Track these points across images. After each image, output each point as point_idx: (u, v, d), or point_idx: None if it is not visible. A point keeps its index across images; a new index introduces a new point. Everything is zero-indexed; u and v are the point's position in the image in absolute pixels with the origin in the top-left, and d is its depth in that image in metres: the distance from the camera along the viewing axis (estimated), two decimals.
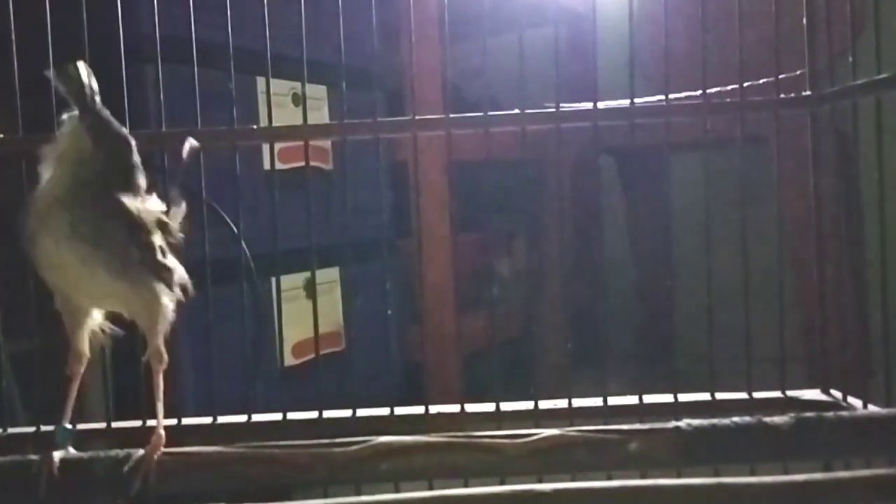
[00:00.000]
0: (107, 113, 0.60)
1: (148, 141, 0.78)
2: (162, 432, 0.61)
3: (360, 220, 1.33)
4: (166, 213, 0.65)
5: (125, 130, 0.62)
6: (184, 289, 0.65)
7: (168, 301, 0.63)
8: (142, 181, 0.62)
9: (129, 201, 0.60)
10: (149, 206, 0.63)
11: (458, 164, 0.84)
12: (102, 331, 0.65)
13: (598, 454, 0.59)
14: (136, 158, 0.62)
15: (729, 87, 0.84)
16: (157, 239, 0.62)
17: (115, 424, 0.79)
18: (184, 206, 0.67)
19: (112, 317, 0.66)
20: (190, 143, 0.71)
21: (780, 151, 0.82)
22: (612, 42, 0.86)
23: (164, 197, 0.65)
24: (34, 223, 0.59)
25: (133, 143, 0.62)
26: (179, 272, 0.64)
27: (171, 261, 0.63)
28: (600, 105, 0.81)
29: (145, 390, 0.67)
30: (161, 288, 0.62)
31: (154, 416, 0.64)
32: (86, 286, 0.61)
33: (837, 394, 0.80)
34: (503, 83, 0.84)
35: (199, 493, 0.62)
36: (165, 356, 0.64)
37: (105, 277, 0.59)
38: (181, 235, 0.65)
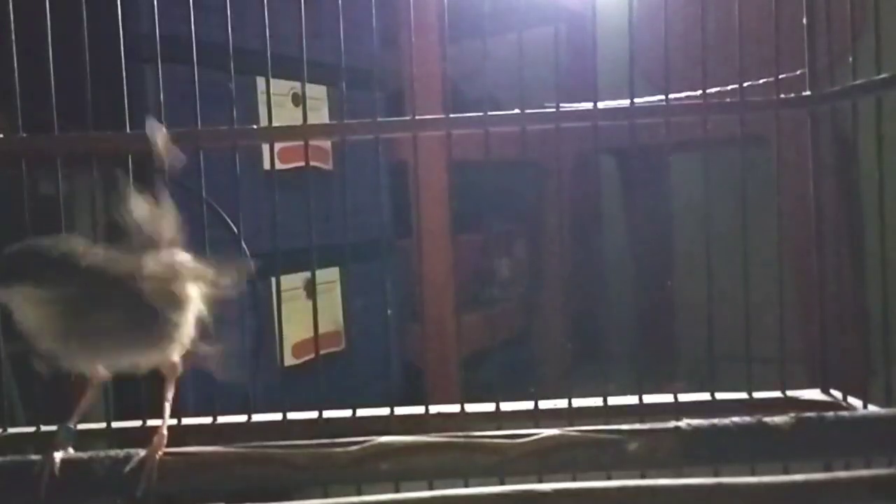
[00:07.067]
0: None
1: (148, 141, 0.78)
2: (165, 433, 0.62)
3: (360, 220, 1.33)
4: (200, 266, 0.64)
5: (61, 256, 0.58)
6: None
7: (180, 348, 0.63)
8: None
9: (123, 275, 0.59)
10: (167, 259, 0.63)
11: (458, 164, 0.84)
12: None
13: (598, 454, 0.59)
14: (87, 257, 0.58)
15: (729, 87, 0.84)
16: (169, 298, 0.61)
17: (115, 424, 0.79)
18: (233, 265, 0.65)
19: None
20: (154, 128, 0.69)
21: (780, 151, 0.82)
22: (612, 42, 0.86)
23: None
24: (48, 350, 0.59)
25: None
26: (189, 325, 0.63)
27: (191, 314, 0.62)
28: (600, 105, 0.81)
29: (151, 391, 0.67)
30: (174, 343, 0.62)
31: (158, 416, 0.64)
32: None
33: (837, 394, 0.80)
34: (503, 83, 0.84)
35: (199, 493, 0.62)
36: (181, 367, 0.64)
37: (127, 359, 0.62)
38: (224, 283, 0.65)
